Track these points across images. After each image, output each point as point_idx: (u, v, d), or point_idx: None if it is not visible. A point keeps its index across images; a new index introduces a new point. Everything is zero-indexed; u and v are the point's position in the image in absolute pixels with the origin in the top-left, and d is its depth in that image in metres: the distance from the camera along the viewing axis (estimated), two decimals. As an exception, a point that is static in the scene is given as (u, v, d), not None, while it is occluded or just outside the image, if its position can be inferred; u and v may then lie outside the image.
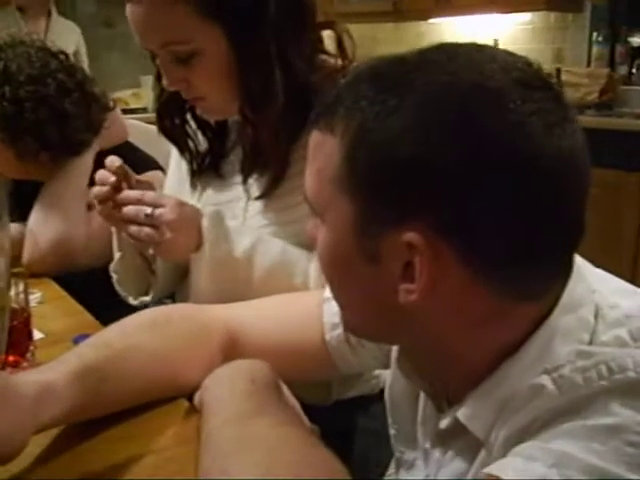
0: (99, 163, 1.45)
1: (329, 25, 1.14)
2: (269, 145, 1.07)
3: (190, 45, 1.00)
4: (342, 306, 0.67)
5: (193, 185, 1.20)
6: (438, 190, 0.53)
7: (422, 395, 0.72)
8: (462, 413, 0.61)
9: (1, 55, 1.35)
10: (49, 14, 3.38)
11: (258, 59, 1.03)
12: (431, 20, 4.43)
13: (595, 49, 3.79)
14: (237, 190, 1.15)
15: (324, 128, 0.59)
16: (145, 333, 0.84)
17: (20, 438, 0.67)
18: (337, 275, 0.64)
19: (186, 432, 0.79)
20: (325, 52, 1.13)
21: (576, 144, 0.55)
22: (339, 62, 1.12)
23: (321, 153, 0.60)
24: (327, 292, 0.88)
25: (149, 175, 1.48)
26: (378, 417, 1.16)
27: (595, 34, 3.79)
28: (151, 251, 1.11)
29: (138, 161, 1.53)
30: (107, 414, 0.80)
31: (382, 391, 1.16)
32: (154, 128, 1.89)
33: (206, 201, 1.17)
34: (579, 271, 0.62)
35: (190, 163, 1.20)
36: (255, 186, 1.13)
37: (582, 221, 0.58)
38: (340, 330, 0.86)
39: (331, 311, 0.86)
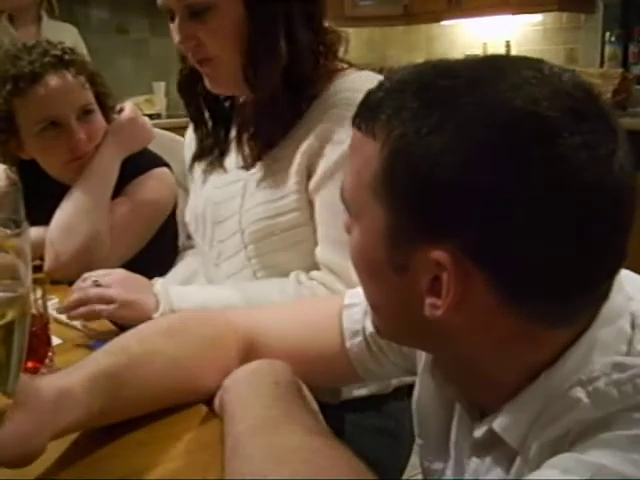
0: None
1: (333, 32, 1.17)
2: (266, 107, 1.12)
3: None
4: (372, 307, 0.67)
5: (192, 163, 1.29)
6: (472, 214, 0.53)
7: (457, 406, 0.71)
8: (498, 424, 0.60)
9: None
10: (40, 19, 3.40)
11: (267, 24, 1.08)
12: (442, 22, 4.42)
13: (608, 49, 3.77)
14: (236, 174, 1.20)
15: (365, 131, 0.59)
16: (162, 339, 0.84)
17: (39, 442, 0.68)
18: (367, 277, 0.64)
19: (205, 437, 0.79)
20: (330, 53, 1.17)
21: (623, 176, 0.54)
22: (339, 65, 1.17)
23: (360, 155, 0.60)
24: (347, 299, 0.88)
25: (156, 172, 1.50)
26: (392, 416, 1.17)
27: (608, 34, 3.78)
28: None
29: (143, 158, 1.55)
30: (125, 419, 0.80)
31: (396, 390, 1.17)
32: (168, 134, 1.92)
33: (211, 183, 1.24)
34: (617, 279, 0.60)
35: (200, 141, 1.27)
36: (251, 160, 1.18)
37: (624, 249, 0.56)
38: (361, 337, 0.85)
39: (351, 318, 0.86)
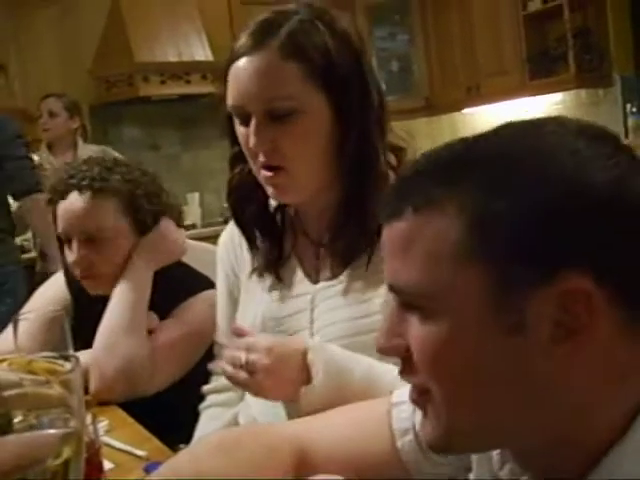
0: (154, 281, 1.49)
1: (398, 149, 1.16)
2: (368, 216, 1.05)
3: (292, 102, 1.02)
4: (450, 409, 0.60)
5: (260, 274, 1.18)
6: (582, 239, 0.54)
7: None
8: None
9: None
10: (76, 144, 3.56)
11: (363, 131, 1.06)
12: (464, 111, 4.52)
13: (631, 120, 3.81)
14: (302, 286, 1.14)
15: (423, 211, 0.58)
16: (214, 458, 0.83)
17: None
18: (459, 368, 0.58)
19: None
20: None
21: None
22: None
23: (425, 236, 0.58)
24: (395, 397, 0.86)
25: (204, 295, 1.51)
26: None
27: (629, 105, 3.81)
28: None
29: (192, 280, 1.56)
30: None
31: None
32: (203, 245, 1.95)
33: (267, 315, 1.15)
34: None
35: (263, 255, 1.18)
36: (323, 273, 1.12)
37: None
38: (411, 436, 0.83)
39: (400, 417, 0.84)
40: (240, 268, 1.26)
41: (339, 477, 0.74)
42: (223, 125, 1.13)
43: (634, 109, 3.78)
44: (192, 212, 4.42)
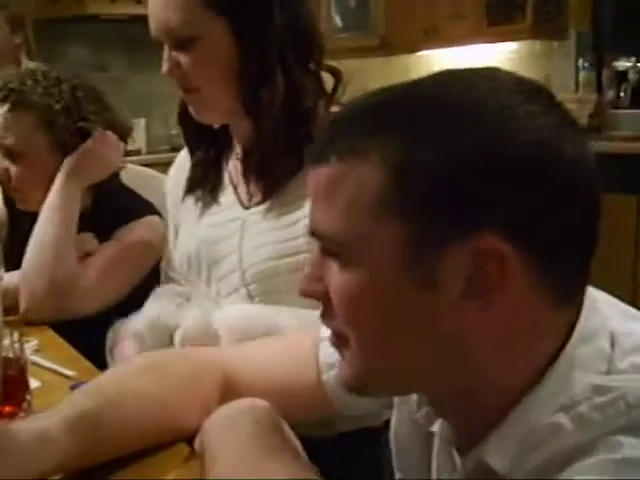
0: (95, 202, 1.47)
1: (333, 70, 1.19)
2: (269, 140, 1.12)
3: (191, 30, 1.08)
4: (363, 353, 0.61)
5: (184, 195, 1.25)
6: (495, 198, 0.54)
7: (436, 438, 0.70)
8: (487, 454, 0.59)
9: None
10: (19, 62, 3.41)
11: (260, 58, 1.09)
12: (419, 53, 4.48)
13: (582, 75, 3.84)
14: (233, 211, 1.19)
15: (346, 159, 0.57)
16: (140, 378, 0.83)
17: None
18: (368, 315, 0.59)
19: (187, 478, 0.78)
20: (324, 92, 1.18)
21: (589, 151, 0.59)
22: (336, 107, 1.17)
23: (347, 184, 0.57)
24: (324, 332, 0.87)
25: (147, 220, 1.49)
26: (383, 449, 1.15)
27: (581, 60, 3.84)
28: None
29: (135, 204, 1.53)
30: (105, 461, 0.79)
31: (387, 422, 1.16)
32: (147, 171, 1.92)
33: (205, 222, 1.22)
34: (592, 300, 0.61)
35: (190, 172, 1.25)
36: (253, 200, 1.17)
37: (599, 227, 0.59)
38: (337, 371, 0.84)
39: (327, 351, 0.84)
40: (182, 193, 1.28)
41: (263, 402, 0.75)
42: None
43: (586, 64, 3.81)
44: (138, 138, 4.31)
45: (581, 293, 0.60)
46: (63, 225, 1.40)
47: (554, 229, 0.55)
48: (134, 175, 1.89)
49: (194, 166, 1.25)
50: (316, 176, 0.60)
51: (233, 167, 1.23)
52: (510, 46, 4.15)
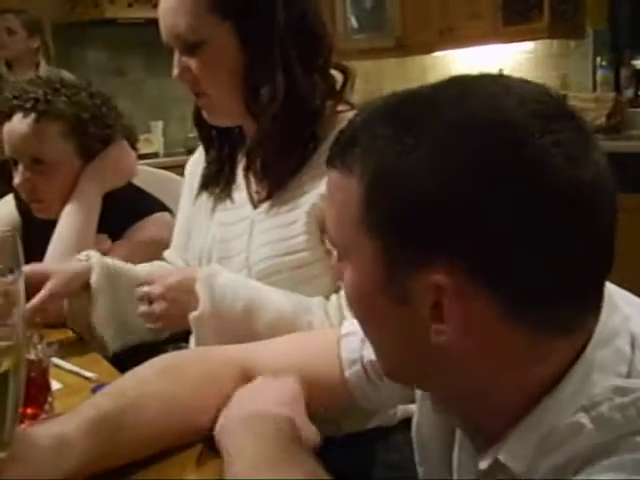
0: (105, 204, 1.48)
1: (342, 67, 1.19)
2: (269, 140, 1.13)
3: (197, 35, 1.09)
4: (374, 346, 0.66)
5: (199, 192, 1.27)
6: (460, 230, 0.53)
7: (457, 434, 0.70)
8: (503, 453, 0.59)
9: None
10: (37, 66, 3.43)
11: (262, 60, 1.10)
12: (435, 53, 4.47)
13: (600, 74, 3.81)
14: (244, 210, 1.20)
15: (342, 168, 0.59)
16: (158, 379, 0.84)
17: None
18: (365, 315, 0.63)
19: (205, 478, 0.79)
20: (334, 91, 1.18)
21: (600, 173, 0.54)
22: (343, 106, 1.17)
23: (341, 194, 0.59)
24: (345, 328, 0.88)
25: (156, 217, 1.51)
26: (397, 449, 1.15)
27: (599, 59, 3.81)
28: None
29: (144, 203, 1.55)
30: (124, 463, 0.79)
31: (401, 422, 1.16)
32: (165, 173, 1.93)
33: (217, 220, 1.23)
34: (611, 300, 0.60)
35: (205, 168, 1.27)
36: (259, 198, 1.18)
37: (611, 250, 0.57)
38: (359, 366, 0.85)
39: (349, 347, 0.86)
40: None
41: (288, 378, 0.76)
42: None
43: (604, 63, 3.78)
44: (155, 141, 4.35)
45: (589, 321, 0.58)
46: (84, 228, 1.42)
47: (523, 269, 0.53)
48: (151, 178, 1.91)
49: (209, 164, 1.27)
50: (329, 176, 0.62)
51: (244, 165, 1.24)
52: (527, 46, 4.12)
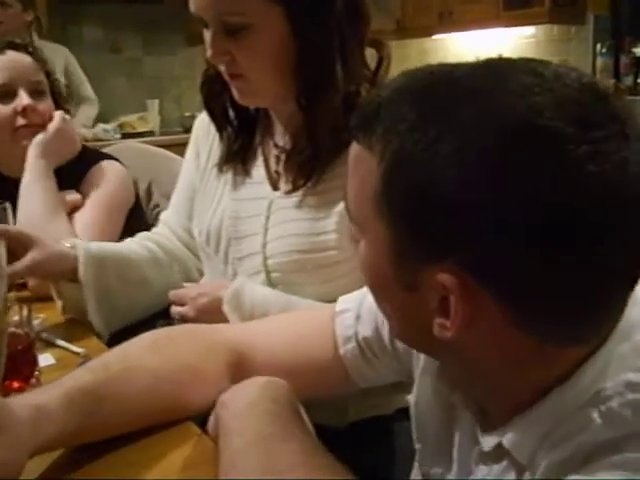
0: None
1: (378, 44, 1.14)
2: (321, 136, 1.06)
3: (243, 17, 1.01)
4: (385, 315, 0.66)
5: (220, 169, 1.21)
6: (473, 232, 0.50)
7: (459, 410, 0.69)
8: (507, 439, 0.58)
9: None
10: (30, 41, 3.40)
11: (321, 48, 1.04)
12: (435, 36, 4.44)
13: (599, 60, 3.80)
14: (262, 188, 1.15)
15: (363, 143, 0.57)
16: (146, 354, 0.83)
17: (16, 462, 0.66)
18: (376, 288, 0.63)
19: (195, 456, 0.78)
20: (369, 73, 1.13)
21: (637, 185, 0.50)
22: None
23: (361, 168, 0.58)
24: (339, 305, 0.87)
25: (106, 163, 1.55)
26: (394, 437, 1.15)
27: (599, 45, 3.80)
28: None
29: (89, 153, 1.59)
30: (109, 437, 0.78)
31: (398, 410, 1.15)
32: (160, 151, 1.91)
33: (230, 196, 1.18)
34: (634, 293, 0.57)
35: (226, 145, 1.20)
36: (283, 181, 1.14)
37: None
38: (354, 343, 0.85)
39: (343, 324, 0.85)
40: (209, 156, 1.25)
41: (281, 380, 0.75)
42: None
43: (604, 49, 3.77)
44: (151, 119, 4.31)
45: (608, 328, 0.56)
46: (48, 191, 1.44)
47: (533, 282, 0.51)
48: (149, 156, 1.89)
49: (228, 143, 1.20)
50: (351, 149, 0.60)
51: (266, 143, 1.18)
52: (527, 30, 4.10)
